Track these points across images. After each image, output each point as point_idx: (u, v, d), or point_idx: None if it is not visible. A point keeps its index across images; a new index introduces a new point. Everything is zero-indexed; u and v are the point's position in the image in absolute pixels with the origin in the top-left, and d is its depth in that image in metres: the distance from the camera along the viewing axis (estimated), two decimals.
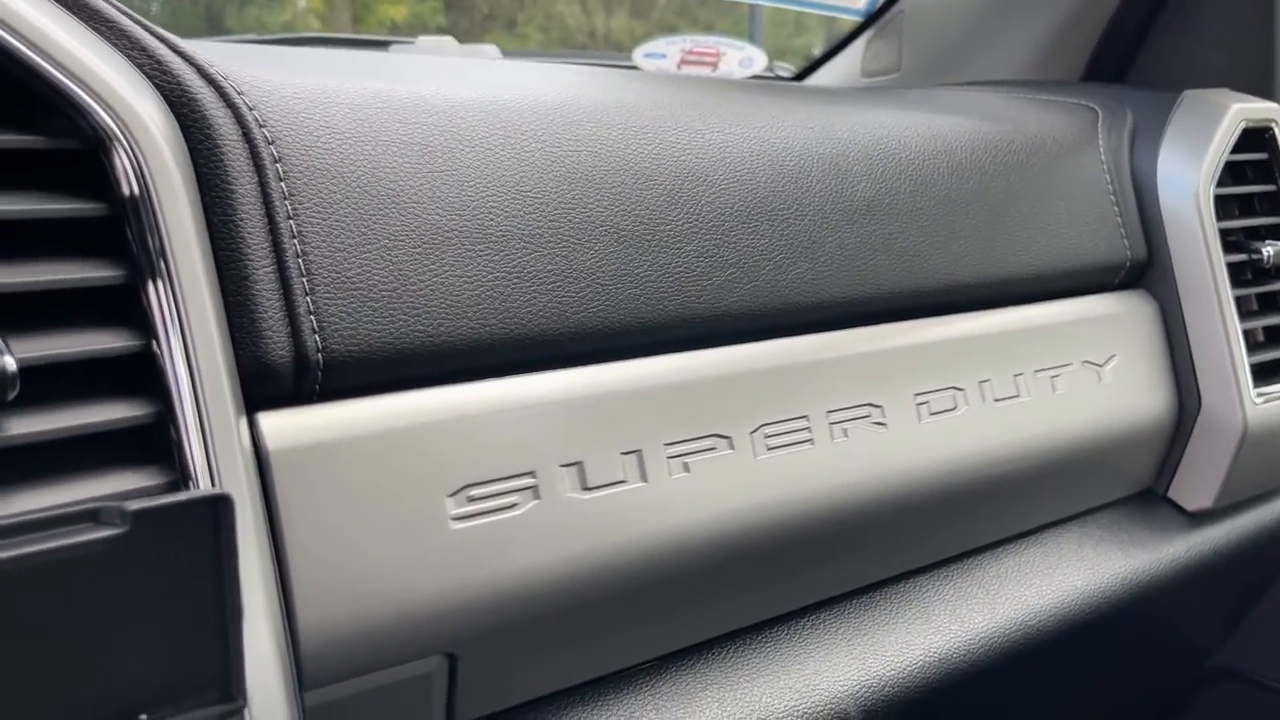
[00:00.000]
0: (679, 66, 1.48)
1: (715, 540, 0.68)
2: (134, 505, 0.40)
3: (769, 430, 0.71)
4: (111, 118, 0.47)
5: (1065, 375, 0.90)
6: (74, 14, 0.52)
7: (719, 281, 0.71)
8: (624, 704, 0.67)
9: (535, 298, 0.63)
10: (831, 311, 0.78)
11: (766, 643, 0.75)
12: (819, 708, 0.73)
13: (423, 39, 1.45)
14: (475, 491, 0.59)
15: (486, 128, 0.66)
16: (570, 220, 0.66)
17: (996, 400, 0.84)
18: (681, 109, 0.78)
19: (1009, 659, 0.86)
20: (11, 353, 0.42)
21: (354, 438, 0.56)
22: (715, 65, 1.49)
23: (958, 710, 0.86)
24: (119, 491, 0.45)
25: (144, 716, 0.42)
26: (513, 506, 0.60)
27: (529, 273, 0.64)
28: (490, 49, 1.46)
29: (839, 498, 0.74)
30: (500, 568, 0.59)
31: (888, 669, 0.77)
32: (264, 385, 0.54)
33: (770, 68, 1.58)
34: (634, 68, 1.44)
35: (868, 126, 0.87)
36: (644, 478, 0.65)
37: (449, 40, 1.48)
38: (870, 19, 1.42)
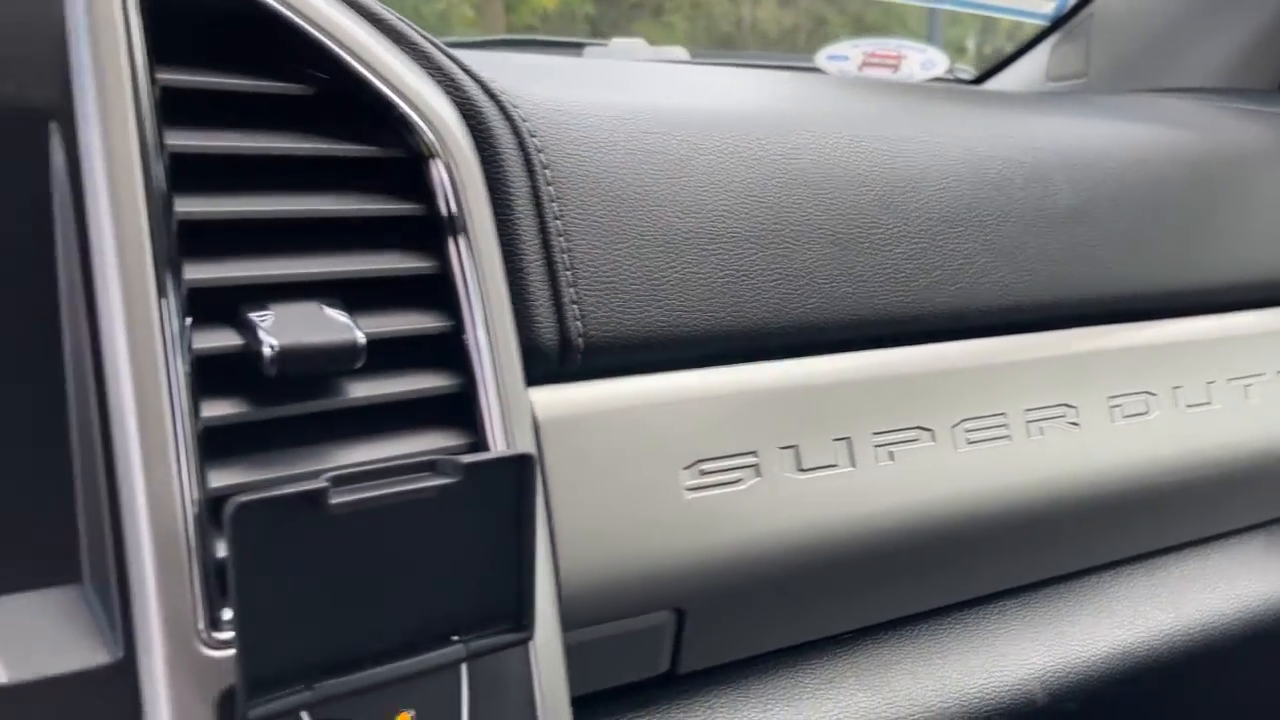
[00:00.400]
0: (860, 69, 1.52)
1: (915, 525, 0.73)
2: (465, 459, 0.48)
3: (969, 425, 0.76)
4: (433, 134, 0.55)
5: (1259, 384, 0.91)
6: (392, 40, 0.61)
7: (926, 283, 0.76)
8: (826, 669, 0.73)
9: (760, 293, 0.70)
10: (1031, 314, 0.81)
11: (957, 624, 0.80)
12: (1006, 688, 0.77)
13: (615, 41, 1.53)
14: (706, 466, 0.66)
15: (718, 136, 0.73)
16: (792, 223, 0.72)
17: (1188, 406, 0.87)
18: (894, 118, 0.83)
19: (1190, 658, 0.88)
20: (360, 329, 0.50)
21: (606, 412, 0.63)
22: (896, 67, 1.53)
23: (1136, 702, 0.89)
24: (431, 448, 0.53)
25: (456, 637, 0.50)
26: (738, 481, 0.67)
27: (755, 270, 0.70)
28: (679, 51, 1.52)
29: (1032, 493, 0.78)
30: (725, 535, 0.66)
31: (1072, 657, 0.81)
32: (534, 364, 0.61)
33: (951, 70, 1.60)
34: (815, 70, 1.49)
35: (1067, 136, 0.90)
36: (853, 463, 0.71)
37: (640, 42, 1.56)
38: (1057, 22, 1.43)
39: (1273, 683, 1.05)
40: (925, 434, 0.74)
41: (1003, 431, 0.77)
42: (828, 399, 0.71)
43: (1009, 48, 1.51)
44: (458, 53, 0.66)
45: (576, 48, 1.52)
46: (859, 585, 0.74)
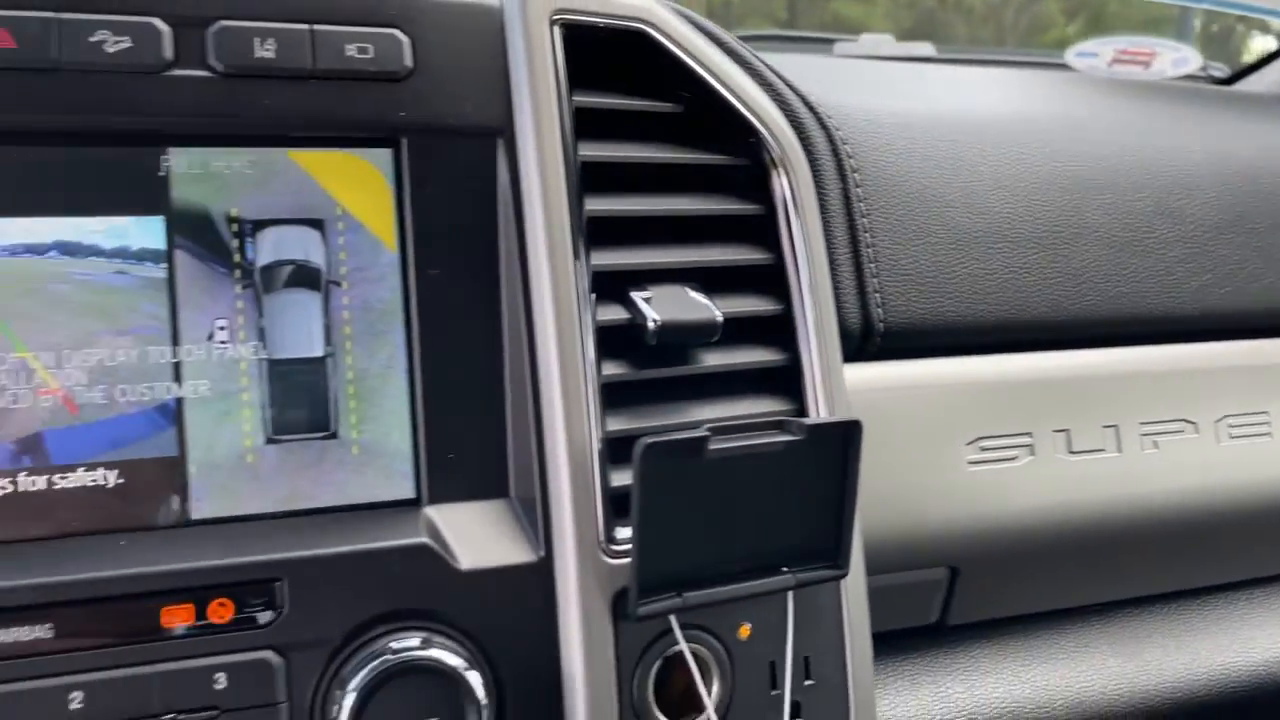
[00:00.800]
0: (1110, 66, 1.53)
1: (1175, 510, 0.79)
2: (808, 421, 0.58)
3: (1232, 421, 0.81)
4: (779, 148, 0.65)
5: None
6: (734, 60, 0.71)
7: (1197, 285, 0.81)
8: (1082, 634, 0.80)
9: (1039, 290, 0.77)
10: None
11: (1206, 606, 0.85)
12: (1255, 667, 0.82)
13: (865, 37, 1.59)
14: (986, 443, 0.74)
15: (1003, 142, 0.80)
16: (1070, 225, 0.79)
17: None
18: (1165, 126, 0.88)
19: None
20: (716, 308, 0.61)
21: (901, 389, 0.72)
22: (1148, 65, 1.52)
23: None
24: (763, 411, 0.64)
25: (785, 569, 0.60)
26: (1014, 458, 0.74)
27: (1036, 268, 0.77)
28: (925, 47, 1.57)
29: None
30: (1000, 505, 0.74)
31: None
32: (841, 344, 0.71)
33: (1204, 68, 1.58)
34: (1064, 66, 1.51)
35: None
36: (1120, 449, 0.77)
37: (888, 38, 1.62)
38: None
39: None
40: (1189, 426, 0.80)
41: (1264, 429, 0.82)
42: (1099, 389, 0.77)
43: (1240, 28, 1.48)
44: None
45: (827, 43, 1.59)
46: (1118, 561, 0.80)
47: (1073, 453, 0.76)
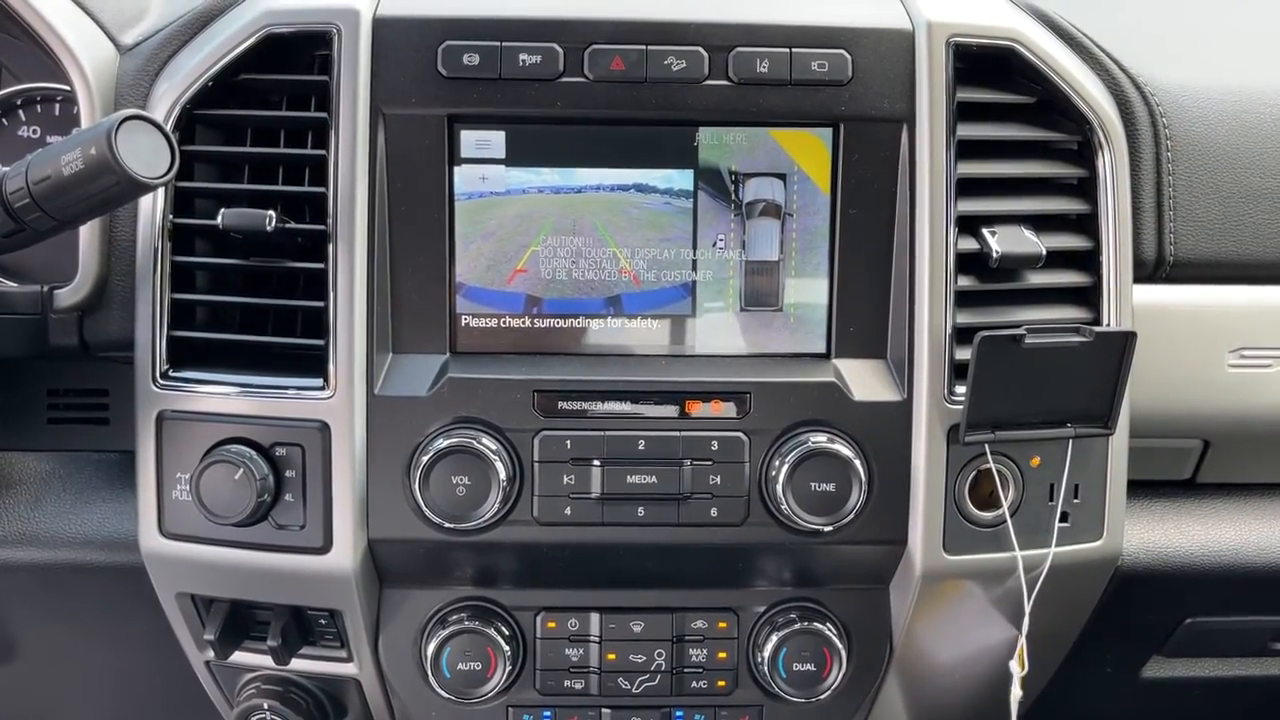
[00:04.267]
0: None
1: None
2: (1097, 329, 0.85)
3: None
4: (1104, 133, 0.90)
5: None
6: (1072, 48, 0.96)
7: None
8: None
9: None
10: None
11: None
12: None
13: None
14: (1245, 352, 0.98)
15: None
16: None
17: None
18: None
19: None
20: (1043, 244, 0.89)
21: (1183, 305, 0.97)
22: None
23: None
24: (1073, 318, 0.91)
25: (1069, 425, 0.89)
26: (1269, 366, 0.98)
27: None
28: None
29: None
30: (1252, 399, 0.98)
31: None
32: (1138, 270, 0.96)
33: None
34: None
35: None
36: None
37: None
38: None
39: None
40: None
41: None
42: None
43: None
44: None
45: None
46: None
47: None
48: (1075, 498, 0.92)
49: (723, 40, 0.88)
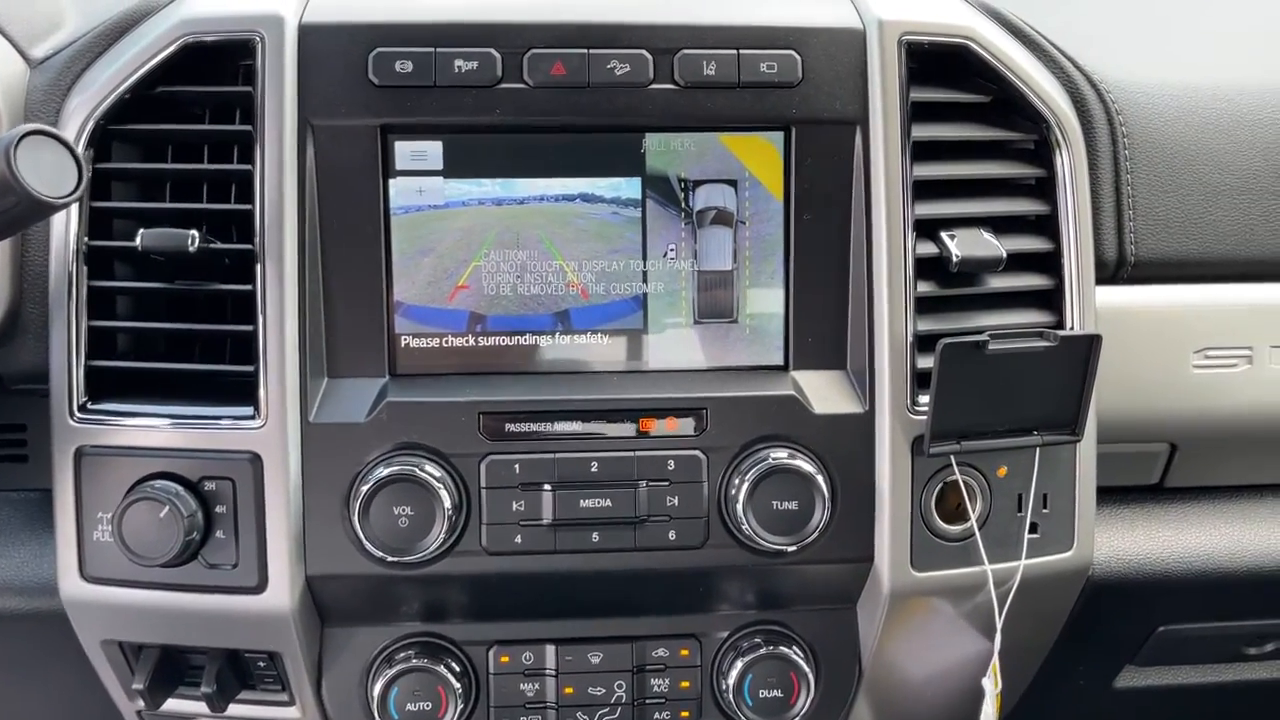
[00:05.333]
0: None
1: None
2: (1061, 333, 0.83)
3: None
4: (1062, 133, 0.88)
5: None
6: (1028, 47, 0.93)
7: None
8: (1267, 501, 1.02)
9: (1272, 233, 0.96)
10: None
11: None
12: None
13: None
14: (1210, 352, 0.96)
15: (1260, 108, 0.98)
16: None
17: None
18: None
19: None
20: (1003, 247, 0.86)
21: (1146, 306, 0.95)
22: None
23: None
24: (1034, 322, 0.89)
25: (1036, 432, 0.87)
26: (1233, 365, 0.96)
27: (1271, 216, 0.96)
28: None
29: None
30: (1216, 400, 0.96)
31: None
32: (1098, 271, 0.94)
33: None
34: None
35: None
36: None
37: None
38: None
39: None
40: None
41: None
42: None
43: None
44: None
45: None
46: None
47: None
48: (1044, 508, 0.89)
49: (668, 42, 0.84)
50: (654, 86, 0.84)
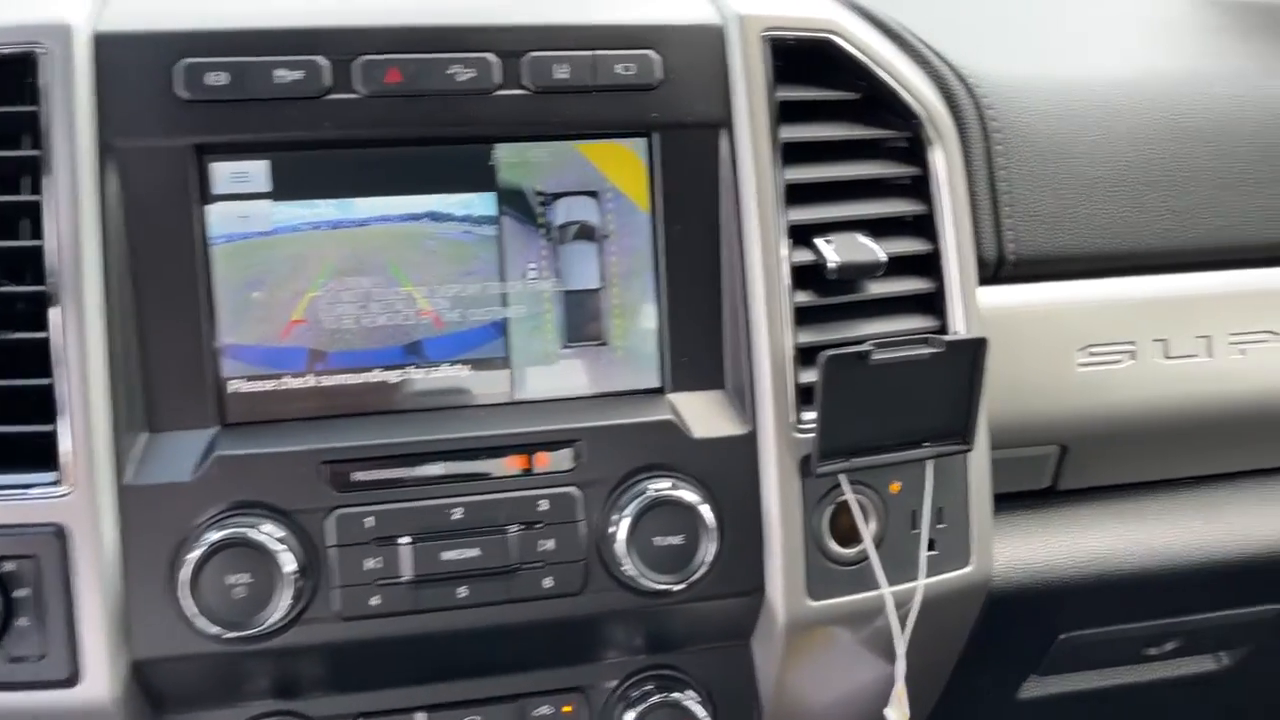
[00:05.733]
0: None
1: (1257, 403, 0.97)
2: (947, 338, 0.79)
3: None
4: (934, 129, 0.84)
5: None
6: (897, 44, 0.90)
7: None
8: (1171, 501, 1.00)
9: (1151, 225, 0.94)
10: None
11: (1254, 485, 1.03)
12: None
13: None
14: (1094, 349, 0.93)
15: (1127, 99, 0.96)
16: (1182, 170, 0.95)
17: None
18: (1275, 75, 1.02)
19: None
20: (882, 251, 0.82)
21: (1025, 305, 0.92)
22: None
23: None
24: (920, 328, 0.84)
25: (926, 444, 0.82)
26: (1118, 362, 0.93)
27: (1147, 208, 0.94)
28: None
29: None
30: (1104, 398, 0.93)
31: None
32: (979, 271, 0.90)
33: None
34: None
35: None
36: (1210, 354, 0.95)
37: None
38: None
39: None
40: (1274, 336, 0.97)
41: None
42: (1196, 306, 0.95)
43: None
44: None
45: None
46: (1204, 444, 0.99)
47: (1169, 358, 0.94)
48: (940, 522, 0.85)
49: (515, 44, 0.77)
50: (501, 93, 0.77)
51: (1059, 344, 0.92)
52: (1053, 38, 1.07)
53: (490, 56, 0.77)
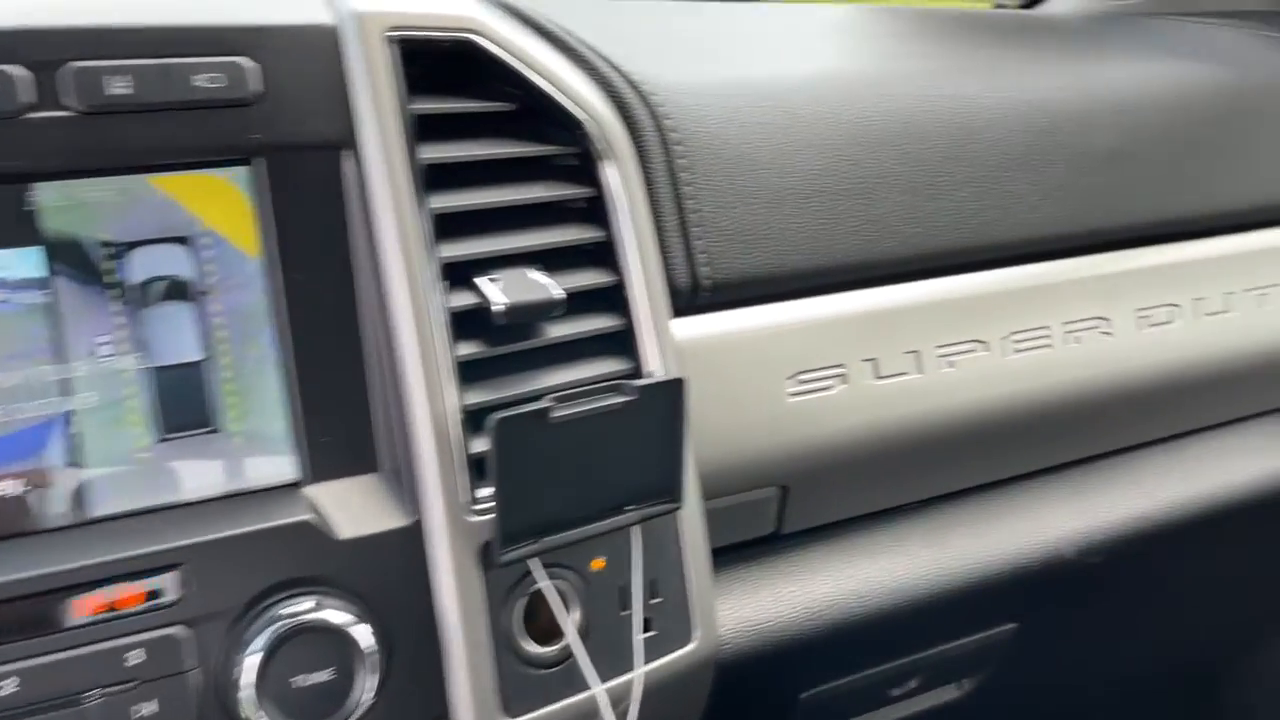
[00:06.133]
0: None
1: (972, 418, 0.92)
2: (639, 383, 0.67)
3: (1017, 337, 0.93)
4: (604, 139, 0.73)
5: (1274, 293, 1.06)
6: (562, 51, 0.78)
7: (983, 220, 0.92)
8: (899, 529, 0.93)
9: (846, 237, 0.87)
10: (1073, 241, 0.97)
11: (1005, 496, 0.99)
12: (1041, 546, 0.97)
13: None
14: (804, 376, 0.84)
15: (811, 105, 0.89)
16: (872, 176, 0.89)
17: (1208, 314, 1.03)
18: (956, 75, 0.98)
19: (1202, 525, 1.06)
20: (557, 287, 0.69)
21: (727, 335, 0.82)
22: None
23: (1154, 561, 1.08)
24: (609, 372, 0.72)
25: (630, 507, 0.70)
26: (829, 387, 0.85)
27: (842, 218, 0.87)
28: None
29: (1069, 389, 0.96)
30: (819, 429, 0.85)
31: (1098, 520, 1.00)
32: (673, 301, 0.80)
33: None
34: None
35: (1114, 79, 1.04)
36: (920, 370, 0.89)
37: None
38: None
39: (1263, 547, 1.23)
40: (980, 345, 0.92)
41: (1046, 341, 0.95)
42: (901, 320, 0.88)
43: None
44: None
45: None
46: (925, 466, 0.92)
47: (880, 378, 0.87)
48: (655, 596, 0.72)
49: (56, 52, 0.58)
50: (36, 115, 0.58)
51: (767, 374, 0.83)
52: (726, 44, 0.99)
53: (18, 70, 0.57)
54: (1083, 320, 0.96)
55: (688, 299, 0.81)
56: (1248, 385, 1.08)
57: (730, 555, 0.87)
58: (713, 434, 0.81)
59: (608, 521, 0.69)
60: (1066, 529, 0.99)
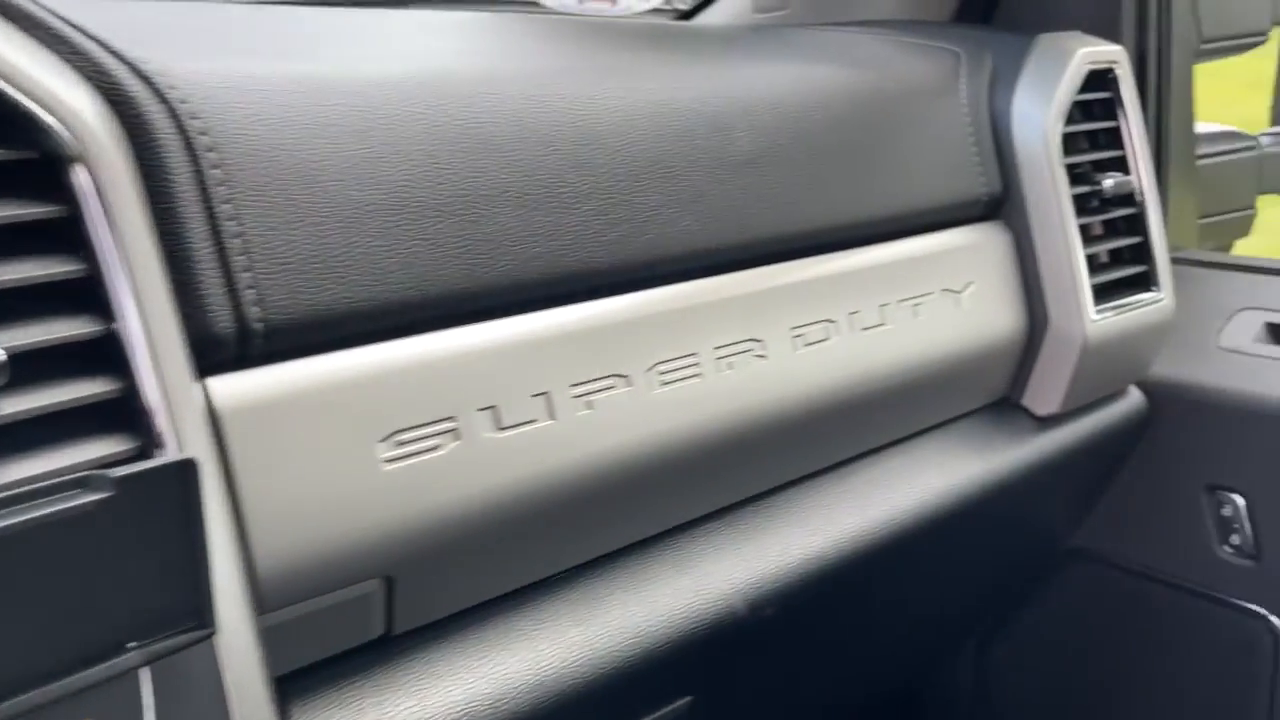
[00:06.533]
0: (581, 3, 1.53)
1: (617, 466, 0.78)
2: (116, 473, 0.48)
3: (662, 367, 0.81)
4: (71, 135, 0.53)
5: (927, 303, 1.01)
6: (20, 25, 0.57)
7: (615, 236, 0.80)
8: (541, 609, 0.78)
9: (448, 261, 0.71)
10: (717, 257, 0.87)
11: (665, 550, 0.86)
12: (710, 604, 0.84)
13: None
14: (403, 436, 0.68)
15: (397, 104, 0.73)
16: (479, 189, 0.74)
17: (864, 329, 0.95)
18: (583, 73, 0.86)
19: (878, 554, 0.98)
20: (2, 344, 0.49)
21: (294, 393, 0.64)
22: (614, 1, 1.54)
23: (835, 600, 0.99)
24: (98, 458, 0.52)
25: (132, 644, 0.50)
26: (436, 448, 0.69)
27: (442, 239, 0.71)
28: None
29: (725, 423, 0.85)
30: (427, 501, 0.68)
31: (769, 567, 0.89)
32: (212, 353, 0.61)
33: (669, 1, 1.63)
34: (535, 5, 1.49)
35: (751, 82, 0.95)
36: (553, 416, 0.75)
37: None
38: None
39: (952, 565, 1.19)
40: (621, 380, 0.79)
41: (695, 370, 0.83)
42: (524, 357, 0.74)
43: None
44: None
45: None
46: (566, 530, 0.78)
47: (502, 429, 0.72)
48: None
49: None
50: None
51: (352, 439, 0.66)
52: (290, 42, 0.81)
53: None
54: (734, 344, 0.86)
55: (236, 350, 0.62)
56: (913, 400, 1.02)
57: (325, 672, 0.69)
58: (283, 521, 0.62)
59: (93, 670, 0.49)
60: (737, 581, 0.87)
